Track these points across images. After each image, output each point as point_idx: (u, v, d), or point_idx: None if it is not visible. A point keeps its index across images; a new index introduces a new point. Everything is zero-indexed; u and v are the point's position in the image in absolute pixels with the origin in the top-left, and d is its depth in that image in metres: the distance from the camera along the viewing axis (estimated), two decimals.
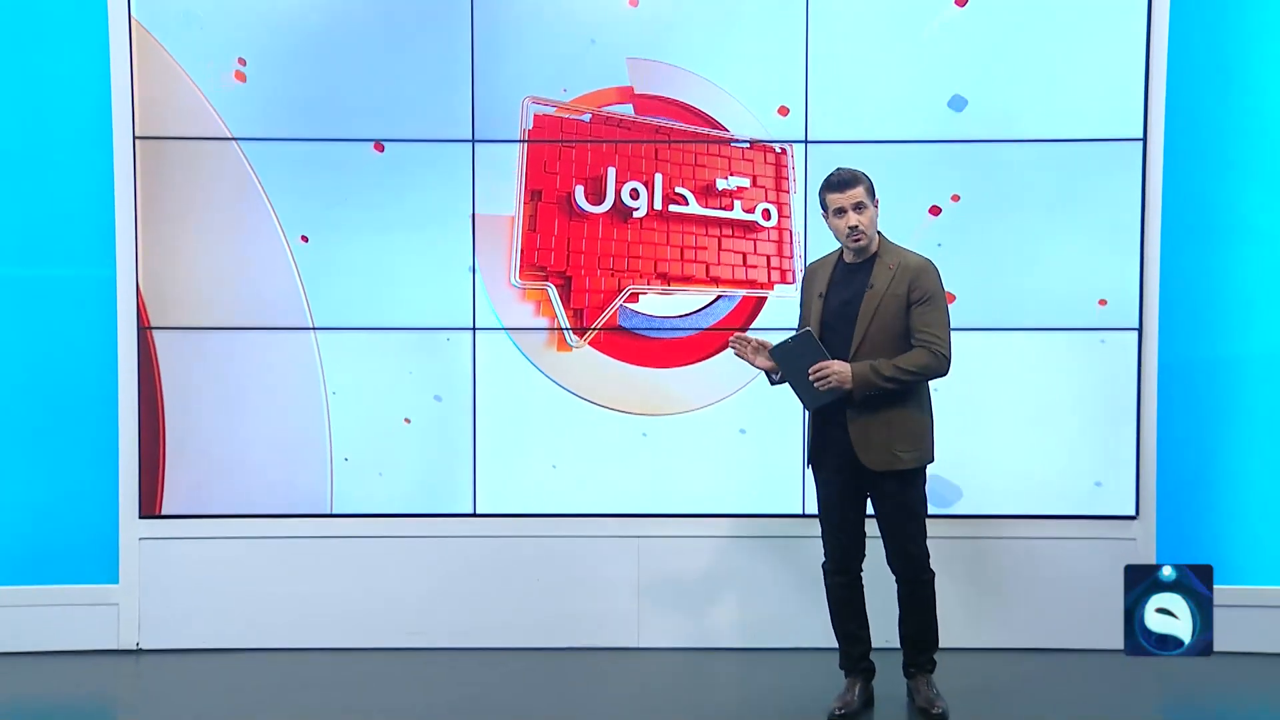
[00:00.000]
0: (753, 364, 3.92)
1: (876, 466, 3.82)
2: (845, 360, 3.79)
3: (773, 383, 3.99)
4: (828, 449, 3.90)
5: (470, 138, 4.64)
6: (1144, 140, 4.56)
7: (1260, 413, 4.69)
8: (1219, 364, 4.70)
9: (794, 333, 3.87)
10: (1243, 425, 4.70)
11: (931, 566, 3.96)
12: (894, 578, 3.98)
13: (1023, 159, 4.58)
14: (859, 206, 3.80)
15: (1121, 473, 4.63)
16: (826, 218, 3.88)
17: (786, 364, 3.84)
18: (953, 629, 4.59)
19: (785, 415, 4.62)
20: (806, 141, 4.61)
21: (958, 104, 4.58)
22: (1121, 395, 4.62)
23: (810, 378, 3.78)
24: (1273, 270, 4.67)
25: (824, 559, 4.01)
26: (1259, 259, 4.67)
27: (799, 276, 4.56)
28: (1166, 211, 4.58)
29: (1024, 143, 4.58)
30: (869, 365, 3.76)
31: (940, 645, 4.09)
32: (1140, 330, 4.59)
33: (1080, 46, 4.56)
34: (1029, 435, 4.64)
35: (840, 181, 3.82)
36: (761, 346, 3.87)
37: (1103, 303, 4.58)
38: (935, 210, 4.60)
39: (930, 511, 4.00)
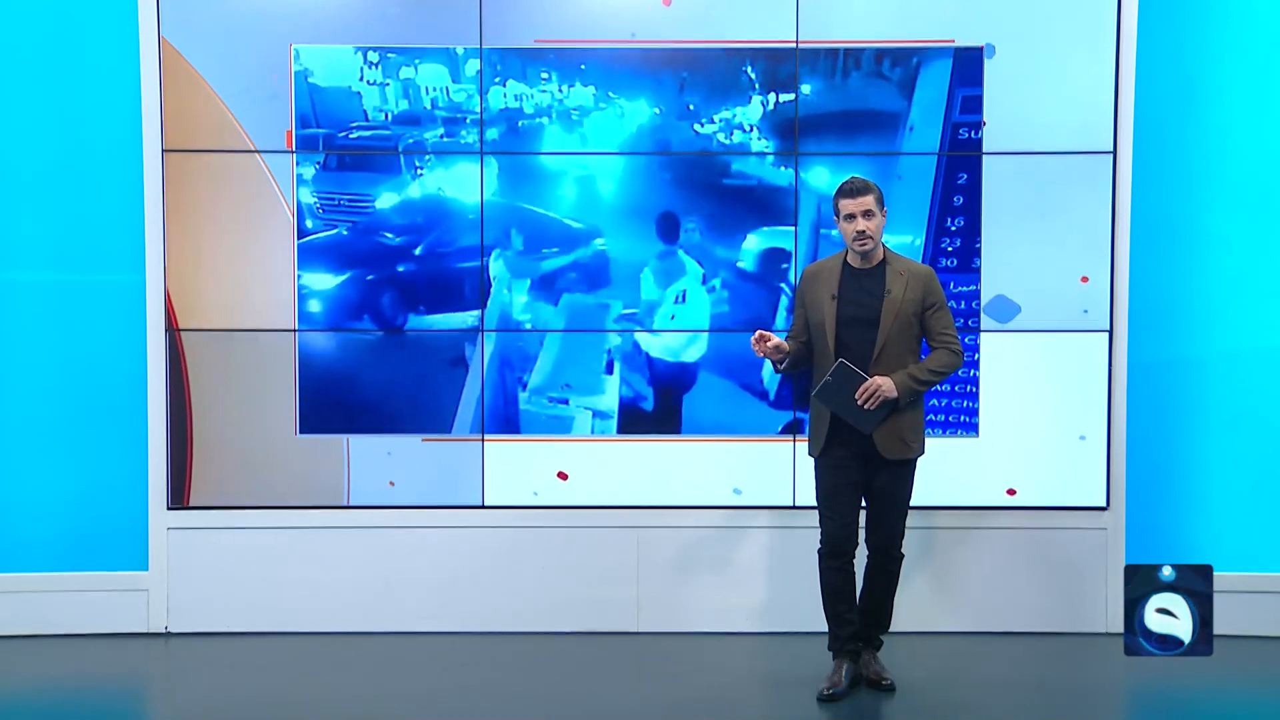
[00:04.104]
0: (766, 356, 4.08)
1: (891, 455, 4.06)
2: (868, 362, 4.02)
3: (778, 371, 4.16)
4: (841, 441, 4.09)
5: (479, 149, 4.80)
6: (1114, 153, 4.73)
7: (1222, 409, 4.87)
8: (1184, 363, 4.88)
9: (829, 372, 4.00)
10: (1206, 421, 4.88)
11: (903, 549, 4.21)
12: (868, 556, 4.20)
13: (1002, 171, 4.77)
14: (868, 213, 4.04)
15: (1093, 466, 4.82)
16: (837, 221, 4.11)
17: (832, 398, 4.01)
18: (930, 614, 4.82)
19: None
20: (797, 154, 4.80)
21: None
22: (1093, 393, 4.80)
23: (859, 401, 3.99)
24: (1234, 275, 4.85)
25: (820, 545, 4.18)
26: (1221, 264, 4.85)
27: None
28: (1135, 220, 4.76)
29: (1003, 155, 4.77)
30: (907, 374, 4.02)
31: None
32: (1111, 332, 4.77)
33: (1054, 67, 4.73)
34: (1007, 430, 4.83)
35: (853, 189, 4.06)
36: (779, 348, 4.05)
37: (1085, 280, 4.76)
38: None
39: (918, 501, 4.23)
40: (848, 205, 4.05)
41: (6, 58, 4.80)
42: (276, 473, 4.83)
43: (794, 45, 4.76)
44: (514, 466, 4.87)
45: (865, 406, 3.98)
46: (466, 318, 4.83)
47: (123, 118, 4.77)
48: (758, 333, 4.05)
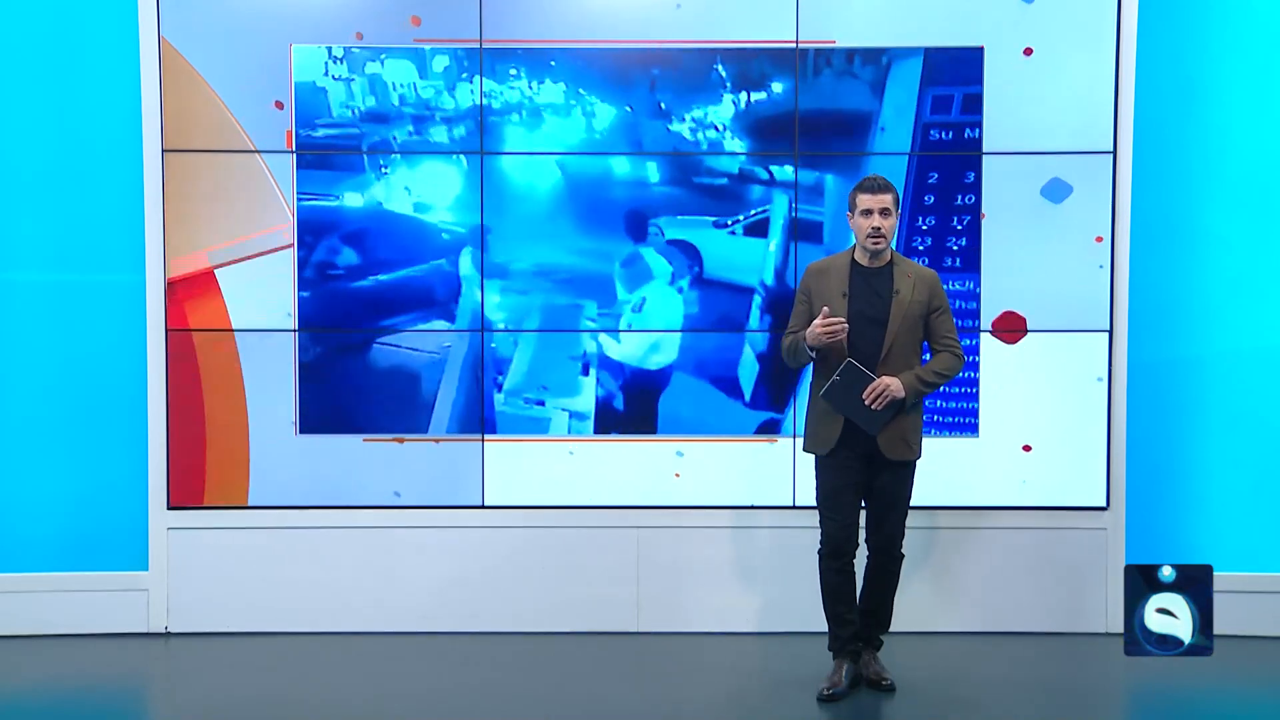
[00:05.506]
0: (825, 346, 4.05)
1: (894, 456, 4.08)
2: (875, 361, 4.03)
3: (810, 357, 4.11)
4: (845, 442, 4.10)
5: (479, 150, 4.80)
6: (1114, 153, 4.74)
7: (1222, 409, 4.88)
8: (1184, 363, 4.89)
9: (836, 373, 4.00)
10: (1206, 421, 4.88)
11: (904, 549, 4.22)
12: (868, 556, 4.22)
13: (1003, 170, 4.77)
14: (884, 212, 4.06)
15: (1092, 466, 4.82)
16: (851, 216, 4.12)
17: (839, 398, 4.01)
18: (930, 614, 4.83)
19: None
20: (796, 155, 4.80)
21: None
22: (1093, 394, 4.80)
23: (867, 401, 3.99)
24: (1234, 274, 4.86)
25: (821, 546, 4.19)
26: (1221, 264, 4.86)
27: None
28: (1135, 220, 4.76)
29: (1003, 155, 4.78)
30: (914, 375, 4.04)
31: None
32: (1110, 332, 4.78)
33: (1055, 68, 4.73)
34: (1006, 430, 4.83)
35: (874, 186, 4.08)
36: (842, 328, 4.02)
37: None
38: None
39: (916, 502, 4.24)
40: (866, 201, 4.07)
41: (6, 58, 4.80)
42: (276, 473, 4.83)
43: (794, 45, 4.76)
44: (504, 467, 4.87)
45: (873, 407, 3.98)
46: (446, 321, 4.82)
47: (123, 118, 4.78)
48: (842, 324, 4.00)
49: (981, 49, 4.75)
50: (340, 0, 4.76)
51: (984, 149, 4.77)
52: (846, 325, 4.01)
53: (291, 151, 4.77)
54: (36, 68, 4.80)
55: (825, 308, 4.02)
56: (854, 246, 4.17)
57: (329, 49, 4.75)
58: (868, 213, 4.06)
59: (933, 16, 4.74)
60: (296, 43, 4.75)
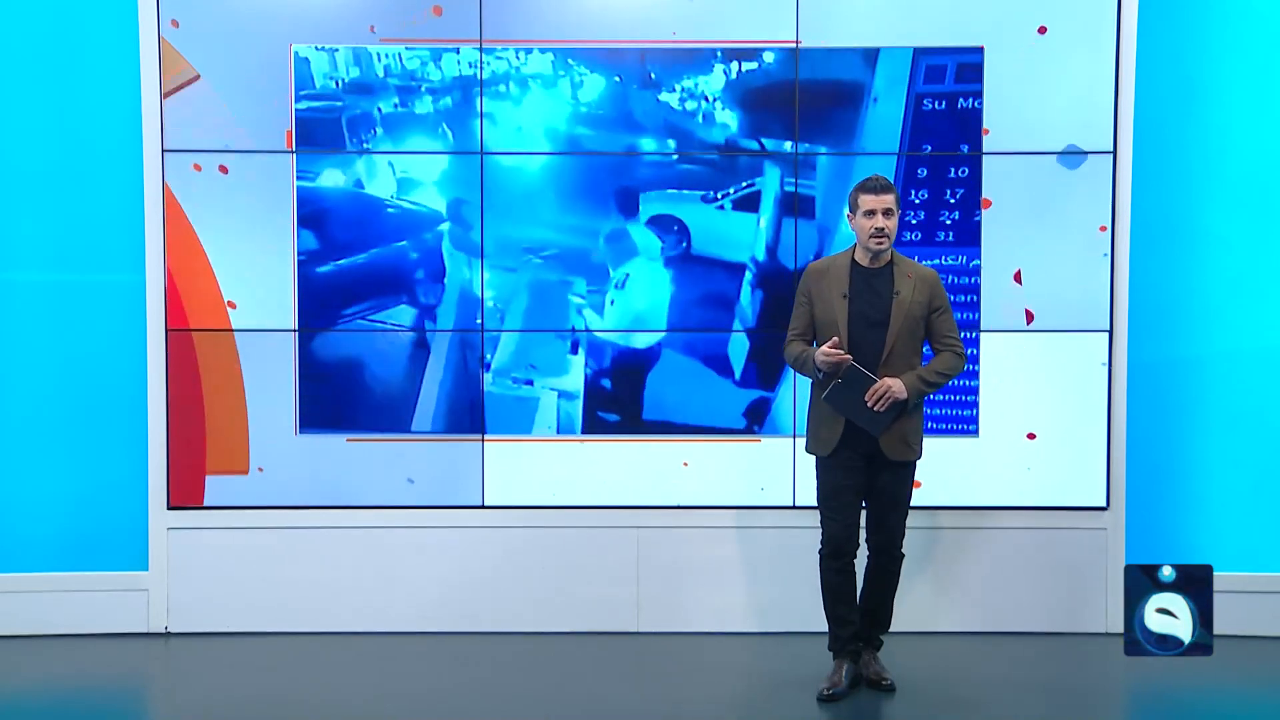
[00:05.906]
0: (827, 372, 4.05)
1: (895, 456, 4.07)
2: (876, 362, 4.03)
3: (816, 379, 4.12)
4: (846, 443, 4.09)
5: (479, 150, 4.80)
6: (1114, 153, 4.74)
7: (1222, 409, 4.87)
8: (1184, 363, 4.89)
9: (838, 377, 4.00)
10: (1206, 421, 4.88)
11: (904, 549, 4.22)
12: (868, 556, 4.22)
13: (1002, 170, 4.77)
14: (888, 212, 4.05)
15: (1092, 466, 4.82)
16: (853, 218, 4.10)
17: (842, 401, 4.01)
18: (930, 614, 4.83)
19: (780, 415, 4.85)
20: (796, 155, 4.79)
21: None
22: (1093, 393, 4.80)
23: (869, 403, 3.99)
24: (1234, 275, 4.86)
25: (821, 546, 4.19)
26: (1221, 264, 4.86)
27: None
28: (1135, 220, 4.76)
29: (1003, 155, 4.77)
30: (916, 376, 4.04)
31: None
32: (1110, 332, 4.78)
33: (1055, 68, 4.73)
34: (1006, 430, 4.82)
35: (878, 186, 4.06)
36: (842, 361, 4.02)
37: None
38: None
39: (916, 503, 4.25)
40: (869, 201, 4.05)
41: (7, 58, 4.80)
42: (277, 472, 4.83)
43: (794, 45, 4.76)
44: (503, 466, 4.87)
45: (875, 408, 3.98)
46: (433, 304, 4.82)
47: (123, 118, 4.77)
48: (838, 353, 3.99)
49: (981, 49, 4.75)
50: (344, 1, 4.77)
51: (984, 149, 4.77)
52: (849, 359, 3.98)
53: (291, 151, 4.77)
54: (37, 68, 4.80)
55: (835, 338, 4.01)
56: (853, 246, 4.16)
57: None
58: (870, 213, 4.05)
59: (932, 13, 4.74)
60: (297, 43, 4.74)
